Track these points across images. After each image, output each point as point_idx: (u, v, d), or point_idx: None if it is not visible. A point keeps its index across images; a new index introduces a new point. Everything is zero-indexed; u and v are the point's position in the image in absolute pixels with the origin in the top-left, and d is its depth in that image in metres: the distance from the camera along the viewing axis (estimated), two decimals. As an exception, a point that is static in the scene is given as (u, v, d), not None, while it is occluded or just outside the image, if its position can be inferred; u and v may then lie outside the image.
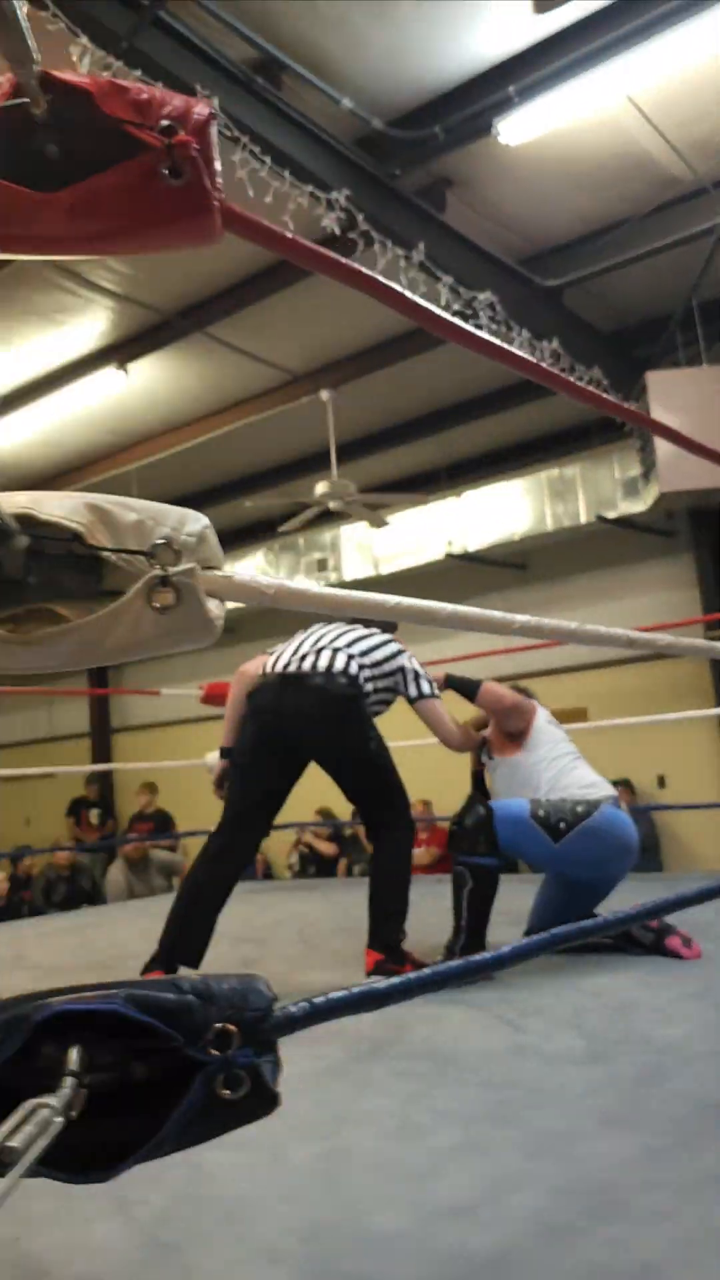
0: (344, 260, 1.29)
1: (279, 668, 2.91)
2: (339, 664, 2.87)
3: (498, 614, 1.32)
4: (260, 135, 4.18)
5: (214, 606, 0.91)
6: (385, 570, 8.70)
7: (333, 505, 6.99)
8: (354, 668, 2.88)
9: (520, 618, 1.34)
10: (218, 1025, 0.78)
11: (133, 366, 6.86)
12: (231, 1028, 0.78)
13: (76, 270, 5.87)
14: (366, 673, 2.93)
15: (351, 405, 7.49)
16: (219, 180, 0.98)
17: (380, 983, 1.00)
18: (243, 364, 7.06)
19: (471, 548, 8.12)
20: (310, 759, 2.97)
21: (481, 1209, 1.39)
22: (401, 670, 3.04)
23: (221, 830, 2.92)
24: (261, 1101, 0.78)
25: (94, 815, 11.58)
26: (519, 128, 4.49)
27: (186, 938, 2.82)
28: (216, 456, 8.54)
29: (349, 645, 2.95)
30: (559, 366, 5.73)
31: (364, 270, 1.37)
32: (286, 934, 4.04)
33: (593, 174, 5.11)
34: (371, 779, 2.96)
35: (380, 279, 1.34)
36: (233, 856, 2.92)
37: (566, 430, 8.09)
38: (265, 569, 9.41)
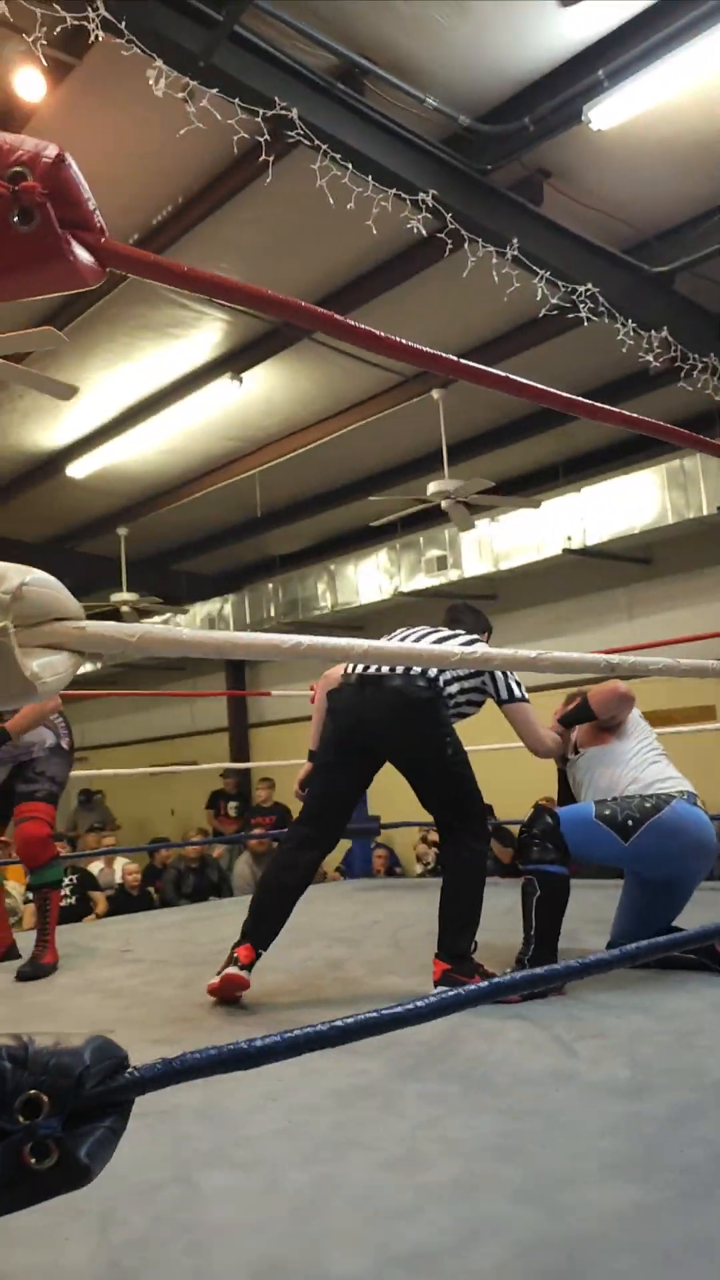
0: (241, 287, 1.24)
1: (359, 669, 2.90)
2: (416, 668, 2.84)
3: (439, 649, 1.27)
4: (342, 141, 4.18)
5: (39, 665, 0.91)
6: (505, 566, 8.57)
7: (443, 505, 6.94)
8: (433, 670, 2.86)
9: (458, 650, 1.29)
10: (30, 1092, 0.78)
11: (247, 375, 7.00)
12: (42, 1096, 0.78)
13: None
14: (449, 674, 2.90)
15: (464, 403, 7.41)
16: (94, 218, 0.98)
17: (254, 1042, 0.98)
18: (353, 367, 7.09)
19: (591, 542, 7.91)
20: (387, 760, 2.98)
21: (443, 1259, 1.36)
22: (490, 672, 2.99)
23: (300, 824, 3.00)
24: (68, 1174, 0.78)
25: (231, 808, 11.92)
26: (611, 112, 4.33)
27: (262, 922, 2.90)
28: (333, 459, 8.62)
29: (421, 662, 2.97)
30: (669, 355, 5.51)
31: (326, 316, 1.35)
32: (381, 934, 4.05)
33: (696, 153, 4.87)
34: (446, 783, 2.92)
35: (355, 324, 1.32)
36: (310, 849, 2.97)
37: (687, 420, 7.75)
38: (388, 569, 9.44)
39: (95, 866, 8.45)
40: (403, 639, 3.05)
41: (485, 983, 2.55)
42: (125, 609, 10.21)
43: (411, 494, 7.56)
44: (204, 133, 3.92)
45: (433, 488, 6.97)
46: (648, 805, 2.88)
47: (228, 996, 2.82)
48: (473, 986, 1.05)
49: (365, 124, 4.34)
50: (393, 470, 8.94)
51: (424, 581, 9.12)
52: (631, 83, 4.21)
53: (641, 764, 3.06)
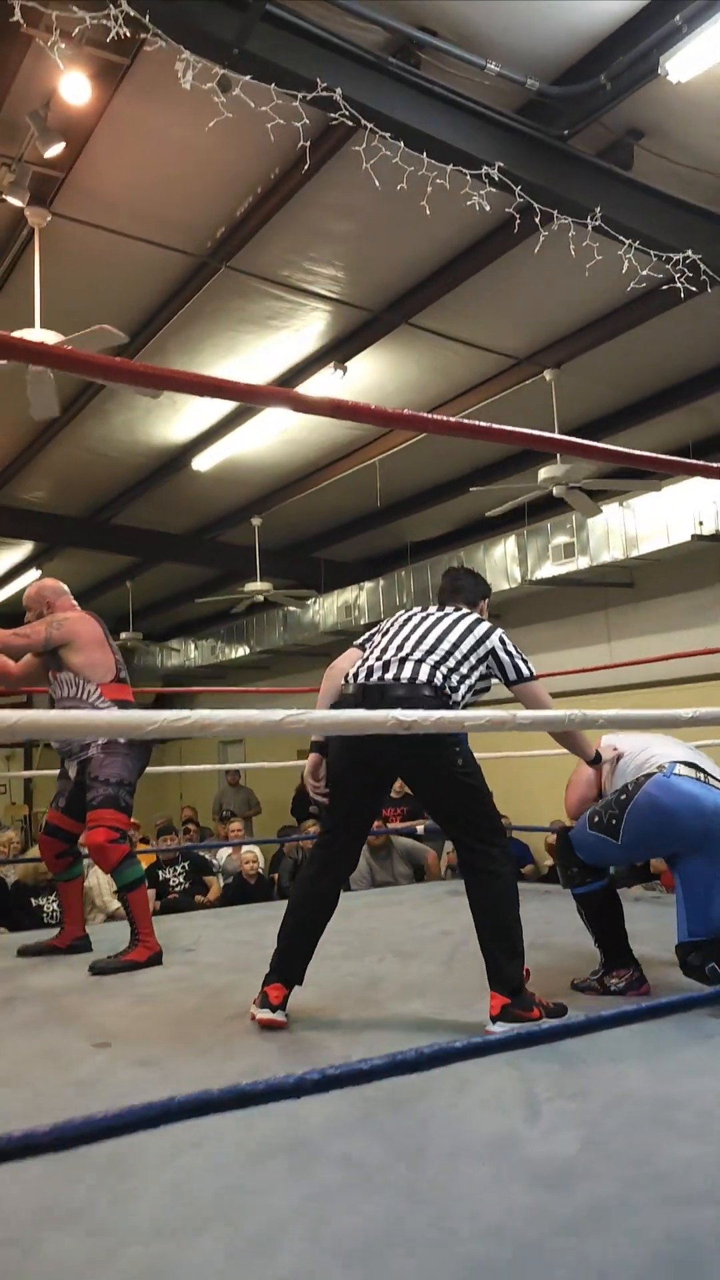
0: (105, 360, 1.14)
1: (360, 678, 2.79)
2: (423, 675, 2.72)
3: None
4: (393, 119, 3.98)
5: None
6: (638, 553, 8.10)
7: (555, 491, 6.61)
8: (439, 677, 2.73)
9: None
10: None
11: (352, 364, 6.89)
12: None
13: (281, 279, 5.97)
14: (455, 677, 2.76)
15: (581, 383, 7.03)
16: None
17: (101, 1118, 0.87)
18: (460, 351, 6.85)
19: (727, 528, 7.36)
20: (398, 775, 2.91)
21: None
22: (494, 653, 2.86)
23: (319, 847, 2.93)
24: None
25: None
26: (689, 61, 3.92)
27: (290, 959, 2.88)
28: (450, 447, 8.39)
29: (433, 648, 2.78)
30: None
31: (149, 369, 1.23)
32: (440, 949, 3.92)
33: None
34: (458, 798, 2.75)
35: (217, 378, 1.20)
36: (329, 875, 2.91)
37: None
38: (516, 556, 9.13)
39: (224, 853, 8.62)
40: (402, 624, 2.91)
41: (549, 1020, 2.51)
42: (259, 597, 10.36)
43: (526, 481, 7.25)
44: (270, 124, 3.81)
45: (544, 474, 6.65)
46: (623, 797, 2.90)
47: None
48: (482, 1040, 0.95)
49: (422, 98, 4.11)
50: (512, 457, 8.62)
51: (551, 570, 8.76)
52: (712, 25, 3.79)
53: (638, 762, 3.02)
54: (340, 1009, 3.07)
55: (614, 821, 2.89)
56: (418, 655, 2.77)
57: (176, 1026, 2.93)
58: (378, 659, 2.81)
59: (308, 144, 3.81)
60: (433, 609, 2.99)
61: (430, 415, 1.51)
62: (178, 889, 7.30)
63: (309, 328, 6.62)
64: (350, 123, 3.80)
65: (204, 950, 4.12)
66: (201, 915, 5.54)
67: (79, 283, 5.84)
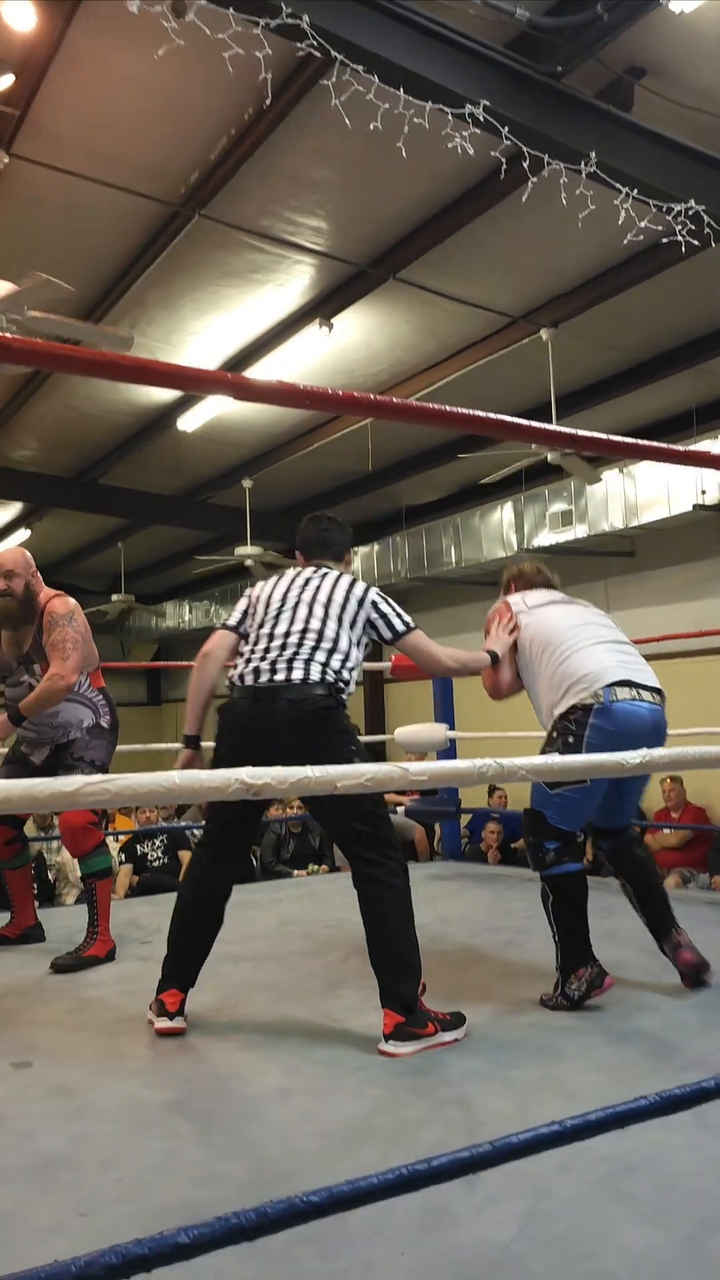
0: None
1: (249, 680, 2.66)
2: (314, 673, 2.61)
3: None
4: (366, 50, 3.63)
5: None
6: (638, 522, 7.79)
7: (550, 458, 6.30)
8: (330, 674, 2.63)
9: None
10: None
11: (338, 321, 6.55)
12: None
13: (262, 230, 5.63)
14: (346, 670, 2.67)
15: (579, 344, 6.68)
16: None
17: None
18: (451, 309, 6.50)
19: (728, 497, 7.04)
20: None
21: None
22: (372, 615, 2.76)
23: (202, 846, 2.82)
24: None
25: (362, 766, 11.69)
26: (693, -11, 3.57)
27: (183, 966, 2.77)
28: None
29: (319, 638, 2.67)
30: None
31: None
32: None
33: None
34: (354, 805, 2.59)
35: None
36: (220, 874, 2.82)
37: None
38: (513, 523, 8.82)
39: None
40: (280, 604, 2.75)
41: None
42: (250, 562, 10.07)
43: (524, 446, 6.91)
44: (228, 53, 3.47)
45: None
46: (570, 739, 2.75)
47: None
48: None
49: (405, 29, 3.75)
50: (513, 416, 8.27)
51: (550, 538, 8.46)
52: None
53: (557, 677, 2.84)
54: (290, 1021, 2.86)
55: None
56: (305, 651, 2.65)
57: (109, 1041, 2.72)
58: (263, 657, 2.69)
59: (268, 76, 3.46)
60: (306, 572, 2.83)
61: (363, 396, 1.26)
62: (155, 863, 7.12)
63: (293, 282, 6.28)
64: (319, 54, 3.45)
65: (160, 942, 3.91)
66: (167, 899, 5.31)
67: (42, 231, 5.52)
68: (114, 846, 7.29)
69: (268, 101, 3.99)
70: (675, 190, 4.38)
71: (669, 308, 6.39)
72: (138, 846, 7.18)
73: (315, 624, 2.68)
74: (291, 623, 2.70)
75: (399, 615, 2.79)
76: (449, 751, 5.70)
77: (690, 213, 4.35)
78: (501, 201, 5.11)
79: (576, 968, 2.81)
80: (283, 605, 2.74)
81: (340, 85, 3.64)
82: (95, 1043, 2.71)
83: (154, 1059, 2.59)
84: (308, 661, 2.63)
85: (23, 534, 11.88)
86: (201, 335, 7.00)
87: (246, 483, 9.89)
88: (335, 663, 2.65)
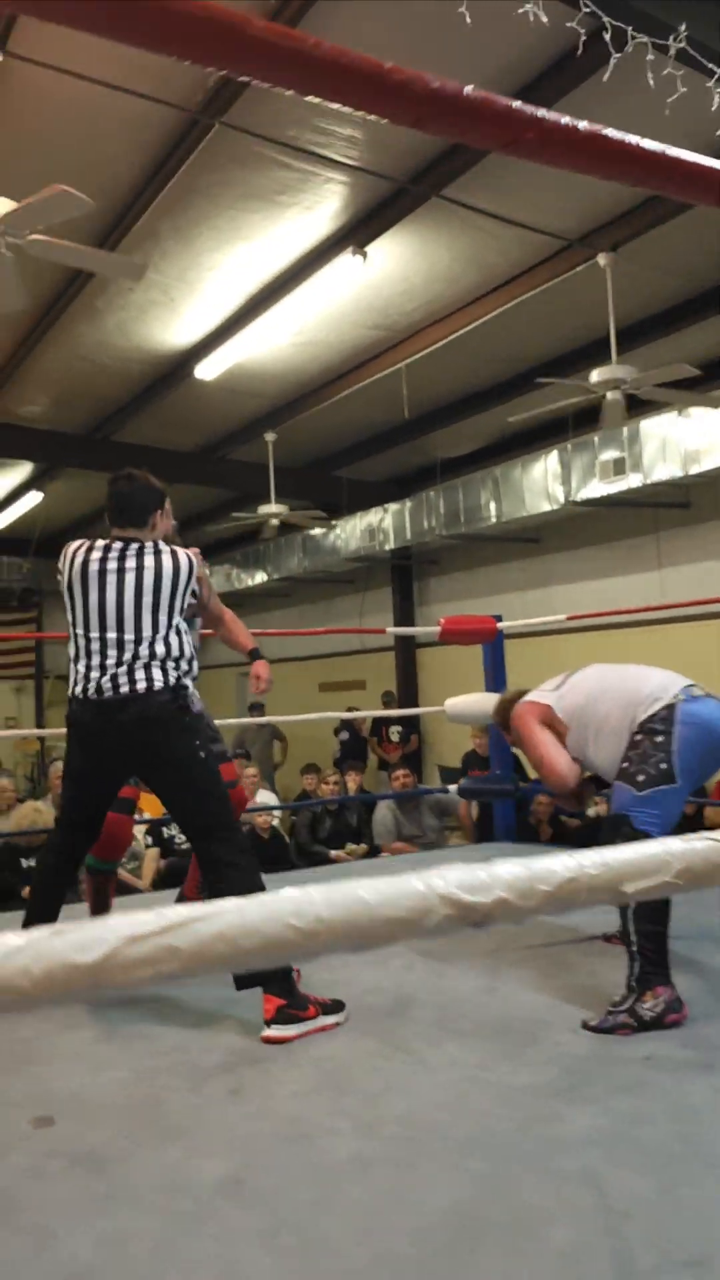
0: None
1: (91, 693, 2.69)
2: (157, 679, 2.67)
3: None
4: None
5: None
6: (698, 469, 7.18)
7: (609, 397, 5.70)
8: (173, 676, 2.69)
9: None
10: None
11: (374, 249, 5.94)
12: None
13: (289, 140, 5.02)
14: (184, 664, 2.74)
15: (641, 270, 6.05)
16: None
17: None
18: (499, 232, 5.87)
19: None
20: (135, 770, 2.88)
21: None
22: (193, 588, 2.85)
23: (59, 829, 2.93)
24: None
25: (394, 733, 11.19)
26: None
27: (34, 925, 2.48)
28: (485, 350, 7.43)
29: (153, 635, 2.70)
30: None
31: None
32: (481, 946, 3.22)
33: None
34: (204, 802, 2.71)
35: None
36: (69, 851, 2.92)
37: None
38: (558, 474, 8.21)
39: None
40: (100, 603, 2.72)
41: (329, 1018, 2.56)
42: (273, 521, 9.53)
43: (579, 385, 6.32)
44: None
45: (596, 376, 5.73)
46: (658, 739, 2.64)
47: None
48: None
49: None
50: (560, 359, 7.65)
51: (600, 489, 7.85)
52: None
53: (626, 705, 2.77)
54: (356, 1052, 2.39)
55: (663, 765, 2.62)
56: (144, 654, 2.68)
57: (142, 1086, 2.25)
58: (99, 667, 2.69)
59: None
60: (121, 562, 2.75)
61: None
62: (183, 845, 6.65)
63: (323, 204, 5.66)
64: None
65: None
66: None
67: (44, 146, 4.91)
68: (139, 830, 6.84)
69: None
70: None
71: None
72: (164, 829, 6.72)
73: (147, 623, 2.69)
74: (122, 630, 2.69)
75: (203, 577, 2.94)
76: (503, 722, 5.19)
77: None
78: (569, 94, 4.48)
79: (655, 985, 2.47)
80: (103, 606, 2.71)
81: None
82: (126, 1087, 2.25)
83: (197, 1109, 2.12)
84: (148, 666, 2.66)
85: (34, 497, 11.35)
86: (220, 270, 6.40)
87: (270, 436, 9.32)
88: (174, 666, 2.70)
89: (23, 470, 11.06)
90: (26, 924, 2.51)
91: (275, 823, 7.06)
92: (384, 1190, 1.74)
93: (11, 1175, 1.84)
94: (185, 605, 2.79)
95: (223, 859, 2.67)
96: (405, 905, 0.53)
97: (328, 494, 10.99)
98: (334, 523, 10.81)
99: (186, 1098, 2.17)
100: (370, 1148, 1.91)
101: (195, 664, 2.78)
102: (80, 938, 0.49)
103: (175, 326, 7.25)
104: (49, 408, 9.08)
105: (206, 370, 7.63)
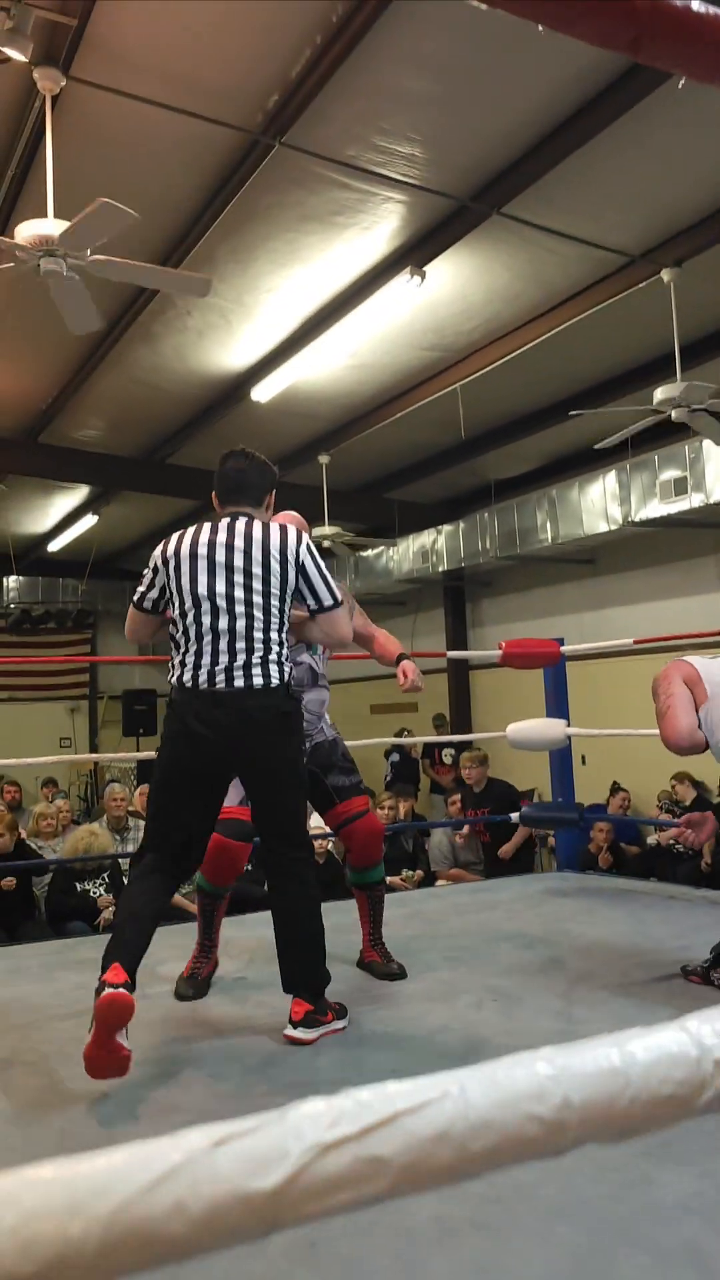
0: None
1: (203, 681, 2.52)
2: (274, 675, 2.53)
3: None
4: None
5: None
6: (763, 490, 7.00)
7: (675, 415, 5.56)
8: (286, 672, 2.57)
9: None
10: None
11: (432, 269, 5.87)
12: None
13: (348, 159, 4.98)
14: (286, 652, 2.60)
15: (707, 286, 5.91)
16: None
17: None
18: (560, 248, 5.77)
19: None
20: (238, 774, 2.68)
21: None
22: (303, 573, 2.58)
23: (148, 850, 2.60)
24: None
25: (446, 754, 11.03)
26: None
27: (123, 949, 2.42)
28: (548, 367, 7.32)
29: (261, 622, 2.53)
30: None
31: None
32: (551, 985, 3.08)
33: None
34: (293, 806, 2.66)
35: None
36: (161, 877, 2.60)
37: None
38: (616, 494, 8.06)
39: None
40: (209, 583, 2.52)
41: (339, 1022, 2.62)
42: (327, 543, 9.48)
43: (638, 404, 6.19)
44: None
45: (660, 394, 5.60)
46: None
47: (113, 1021, 2.23)
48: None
49: None
50: (619, 377, 7.51)
51: (659, 509, 7.68)
52: None
53: None
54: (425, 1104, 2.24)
55: None
56: (258, 654, 2.52)
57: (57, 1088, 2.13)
58: (210, 657, 2.53)
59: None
60: (231, 537, 2.56)
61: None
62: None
63: (381, 224, 5.61)
64: None
65: (256, 971, 3.35)
66: (258, 918, 4.75)
67: (105, 168, 4.92)
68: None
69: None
70: None
71: None
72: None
73: (258, 607, 2.52)
74: (231, 614, 2.52)
75: (330, 583, 2.62)
76: (564, 749, 5.06)
77: None
78: (628, 112, 4.39)
79: None
80: (214, 585, 2.52)
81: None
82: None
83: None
84: (264, 661, 2.52)
85: (89, 520, 11.43)
86: (277, 293, 6.38)
87: (323, 458, 9.28)
88: (278, 655, 2.55)
89: (79, 493, 11.14)
90: (111, 957, 2.35)
91: (330, 847, 6.96)
92: (470, 1262, 1.62)
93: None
94: (290, 602, 2.61)
95: (296, 872, 2.62)
96: (676, 1079, 0.42)
97: (381, 516, 10.92)
98: (387, 544, 10.73)
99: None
100: (453, 1210, 1.79)
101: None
102: (252, 1148, 0.36)
103: (232, 349, 7.25)
104: (105, 431, 9.14)
105: (262, 392, 7.61)
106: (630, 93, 4.35)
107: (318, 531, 9.35)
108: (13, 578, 13.85)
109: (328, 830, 6.88)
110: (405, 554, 10.63)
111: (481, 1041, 2.65)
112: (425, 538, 10.40)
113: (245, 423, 8.57)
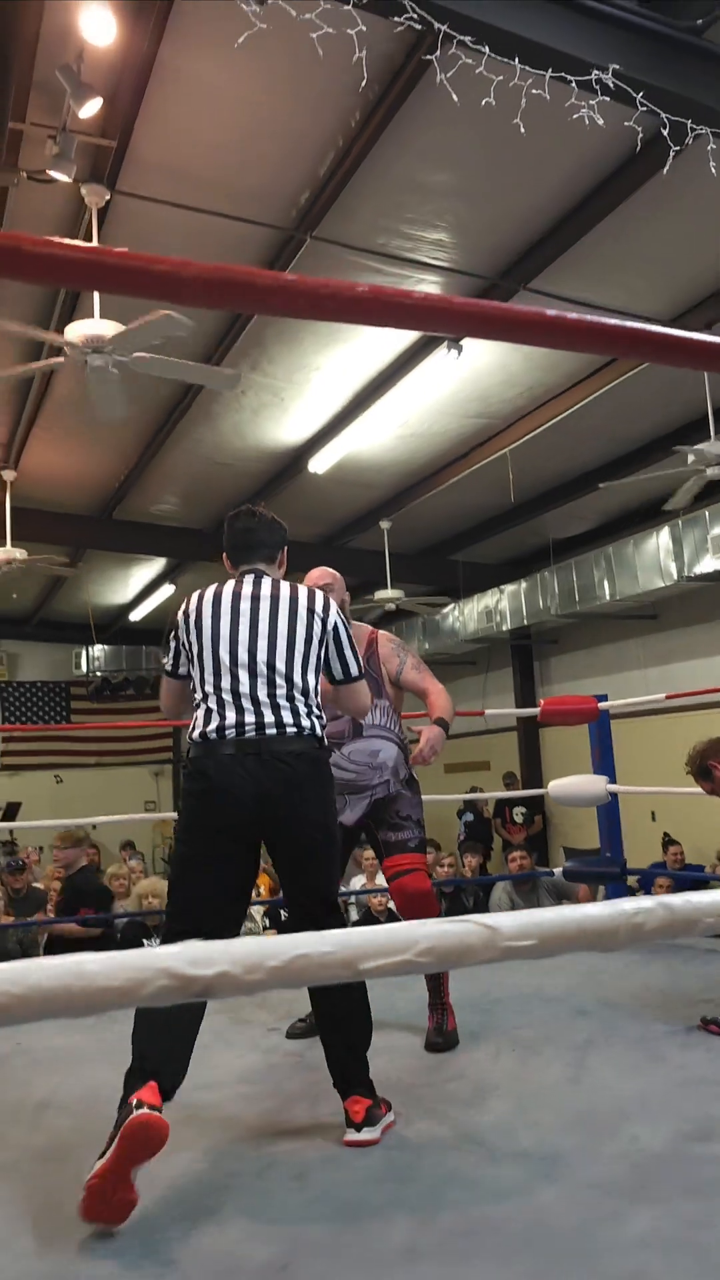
0: None
1: (230, 732, 2.33)
2: (304, 721, 2.36)
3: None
4: (475, 20, 3.23)
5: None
6: None
7: (711, 473, 5.65)
8: (314, 720, 2.39)
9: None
10: None
11: (468, 342, 6.12)
12: None
13: (378, 248, 5.29)
14: (316, 706, 2.42)
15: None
16: None
17: None
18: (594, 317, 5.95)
19: None
20: (269, 841, 2.41)
21: None
22: (331, 640, 2.49)
23: (176, 932, 2.32)
24: None
25: (517, 813, 11.02)
26: None
27: (156, 1060, 2.12)
28: (583, 434, 7.48)
29: (288, 673, 2.38)
30: None
31: None
32: (572, 1037, 3.12)
33: None
34: (327, 864, 2.41)
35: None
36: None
37: None
38: (671, 550, 8.10)
39: (358, 880, 7.97)
40: (231, 636, 2.39)
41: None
42: (390, 606, 9.70)
43: (676, 464, 6.29)
44: (343, 53, 3.13)
45: (694, 456, 5.70)
46: None
47: (139, 1154, 1.93)
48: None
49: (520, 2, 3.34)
50: (664, 438, 7.61)
51: (714, 564, 7.70)
52: None
53: None
54: (429, 1145, 2.35)
55: None
56: (281, 694, 2.36)
57: (215, 1167, 2.27)
58: (233, 703, 2.35)
59: (363, 54, 3.10)
60: (256, 589, 2.48)
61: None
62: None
63: (417, 304, 5.89)
64: (418, 24, 3.07)
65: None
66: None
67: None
68: (258, 911, 6.93)
69: (363, 83, 3.62)
70: None
71: None
72: (282, 911, 6.79)
73: (280, 659, 2.37)
74: (255, 661, 2.37)
75: (356, 654, 2.54)
76: (610, 805, 5.10)
77: None
78: (643, 186, 4.59)
79: None
80: (236, 638, 2.38)
81: (446, 60, 3.24)
82: (195, 1165, 2.28)
83: (261, 1193, 2.13)
84: (294, 708, 2.35)
85: (167, 589, 11.90)
86: (324, 371, 6.71)
87: (384, 524, 9.55)
88: (307, 704, 2.39)
89: (157, 565, 11.63)
90: (146, 1069, 2.09)
91: (391, 904, 7.04)
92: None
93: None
94: (318, 665, 2.47)
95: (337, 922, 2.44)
96: (123, 976, 0.59)
97: (445, 577, 11.11)
98: (451, 605, 10.89)
99: (251, 1183, 2.19)
100: (422, 1238, 1.90)
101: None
102: None
103: (286, 424, 7.60)
104: (179, 505, 9.57)
105: (319, 464, 7.94)
106: (645, 163, 4.54)
107: (380, 595, 9.59)
108: (97, 647, 14.41)
109: (382, 886, 6.96)
110: (470, 614, 10.78)
111: (491, 1087, 2.72)
112: (489, 598, 10.54)
113: (305, 493, 8.91)
